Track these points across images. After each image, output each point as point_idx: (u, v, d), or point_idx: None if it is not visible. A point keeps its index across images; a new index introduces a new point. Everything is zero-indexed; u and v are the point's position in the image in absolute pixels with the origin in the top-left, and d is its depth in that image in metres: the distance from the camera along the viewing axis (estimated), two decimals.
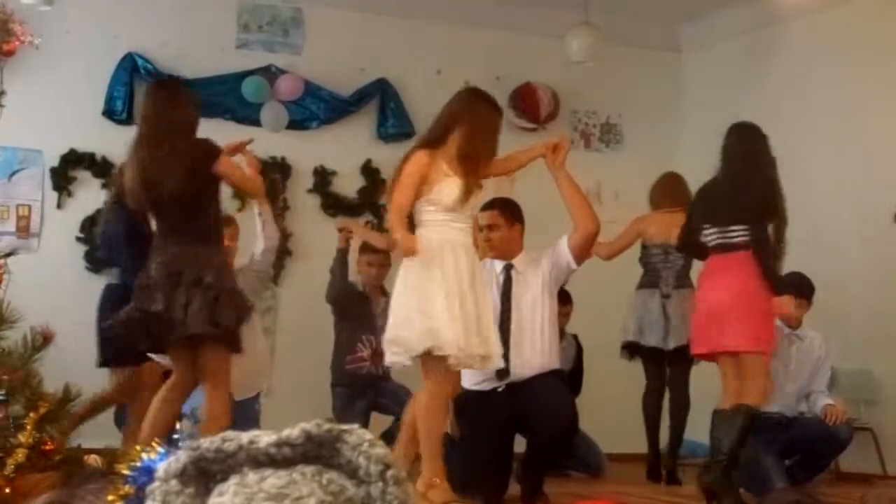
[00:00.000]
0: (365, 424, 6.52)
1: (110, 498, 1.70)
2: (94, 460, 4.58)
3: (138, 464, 1.82)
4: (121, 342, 5.76)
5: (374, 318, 7.35)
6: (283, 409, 6.92)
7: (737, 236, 6.00)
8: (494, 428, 5.92)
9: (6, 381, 4.68)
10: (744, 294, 5.91)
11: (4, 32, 4.88)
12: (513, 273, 6.07)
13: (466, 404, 5.91)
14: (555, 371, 6.05)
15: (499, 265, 6.09)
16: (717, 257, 6.08)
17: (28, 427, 4.58)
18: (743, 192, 6.01)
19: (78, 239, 8.27)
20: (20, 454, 4.38)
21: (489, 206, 6.10)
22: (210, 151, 5.60)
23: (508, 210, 6.18)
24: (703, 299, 6.14)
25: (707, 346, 6.08)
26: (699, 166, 9.26)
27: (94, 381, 6.46)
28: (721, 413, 5.92)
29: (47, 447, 4.68)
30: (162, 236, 5.65)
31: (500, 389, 5.93)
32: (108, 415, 7.12)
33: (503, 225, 6.11)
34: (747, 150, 6.15)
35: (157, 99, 5.76)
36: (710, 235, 6.13)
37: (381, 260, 7.49)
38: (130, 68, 8.53)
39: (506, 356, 5.66)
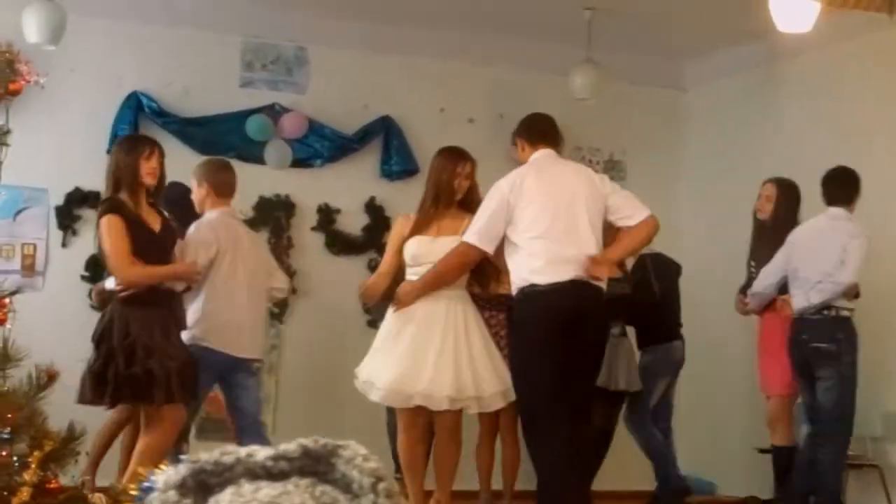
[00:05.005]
0: None
1: None
2: (98, 499, 4.58)
3: (146, 483, 1.84)
4: None
5: None
6: None
7: None
8: None
9: (11, 420, 4.68)
10: None
11: (11, 72, 4.92)
12: None
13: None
14: None
15: None
16: None
17: (33, 465, 4.58)
18: None
19: (83, 278, 8.27)
20: (24, 493, 4.37)
21: None
22: None
23: None
24: None
25: None
26: (701, 202, 9.31)
27: (99, 418, 6.49)
28: None
29: (52, 485, 4.67)
30: None
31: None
32: (113, 454, 7.10)
33: None
34: None
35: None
36: None
37: None
38: (135, 107, 8.56)
39: None
